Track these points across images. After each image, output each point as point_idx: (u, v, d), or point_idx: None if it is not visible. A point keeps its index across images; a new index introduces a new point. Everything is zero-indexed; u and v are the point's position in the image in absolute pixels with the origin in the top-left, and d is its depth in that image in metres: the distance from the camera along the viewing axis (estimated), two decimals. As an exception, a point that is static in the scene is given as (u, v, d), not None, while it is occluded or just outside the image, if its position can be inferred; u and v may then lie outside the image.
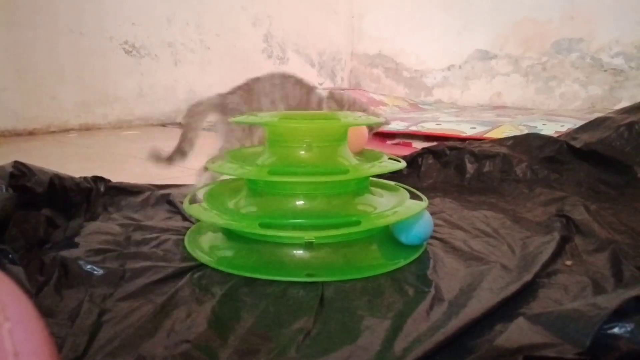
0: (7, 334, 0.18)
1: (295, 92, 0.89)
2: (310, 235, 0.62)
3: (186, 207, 0.71)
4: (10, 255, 0.56)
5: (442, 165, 1.13)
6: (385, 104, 2.45)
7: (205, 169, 0.88)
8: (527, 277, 0.56)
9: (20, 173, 0.76)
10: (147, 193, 0.93)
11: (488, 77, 2.79)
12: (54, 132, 2.01)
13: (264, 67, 2.78)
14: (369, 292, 0.55)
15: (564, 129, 1.47)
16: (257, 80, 0.89)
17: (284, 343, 0.45)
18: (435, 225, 0.79)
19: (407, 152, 1.19)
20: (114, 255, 0.64)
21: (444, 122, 1.73)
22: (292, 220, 0.65)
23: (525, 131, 1.49)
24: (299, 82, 0.90)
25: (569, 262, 0.62)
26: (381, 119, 0.82)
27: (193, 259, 0.64)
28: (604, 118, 1.13)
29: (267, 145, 0.72)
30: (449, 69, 2.92)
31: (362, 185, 0.72)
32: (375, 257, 0.67)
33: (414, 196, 0.72)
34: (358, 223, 0.60)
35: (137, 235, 0.72)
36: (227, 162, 0.71)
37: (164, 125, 2.33)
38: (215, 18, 2.51)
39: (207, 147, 0.95)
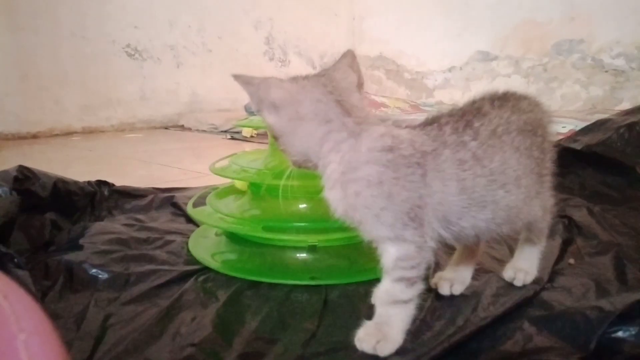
0: (23, 345, 0.18)
1: None
2: (313, 239, 0.62)
3: (190, 210, 0.71)
4: (15, 259, 0.56)
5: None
6: (386, 106, 2.45)
7: None
8: (530, 285, 0.56)
9: (24, 177, 0.77)
10: (151, 196, 0.93)
11: (489, 79, 2.79)
12: (57, 135, 2.02)
13: (266, 69, 2.79)
14: (372, 295, 0.55)
15: (565, 130, 1.47)
16: None
17: (289, 346, 0.46)
18: (438, 227, 0.79)
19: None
20: (118, 257, 0.65)
21: (445, 124, 1.73)
22: (295, 224, 0.65)
23: (527, 133, 1.49)
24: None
25: (571, 261, 0.62)
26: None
27: (197, 262, 0.64)
28: (605, 120, 1.13)
29: (271, 148, 0.73)
30: (450, 70, 2.92)
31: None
32: (378, 260, 0.67)
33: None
34: (361, 226, 0.61)
35: (142, 236, 0.73)
36: (230, 166, 0.72)
37: (166, 127, 2.34)
38: (217, 21, 2.52)
39: (213, 151, 0.95)
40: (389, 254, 0.44)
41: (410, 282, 0.43)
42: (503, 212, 0.46)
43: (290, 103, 0.43)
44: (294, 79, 0.45)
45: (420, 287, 0.44)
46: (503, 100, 0.49)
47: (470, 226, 0.45)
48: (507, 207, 0.46)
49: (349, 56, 0.47)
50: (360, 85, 0.47)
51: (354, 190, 0.43)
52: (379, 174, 0.42)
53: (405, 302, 0.44)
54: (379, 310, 0.45)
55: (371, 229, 0.44)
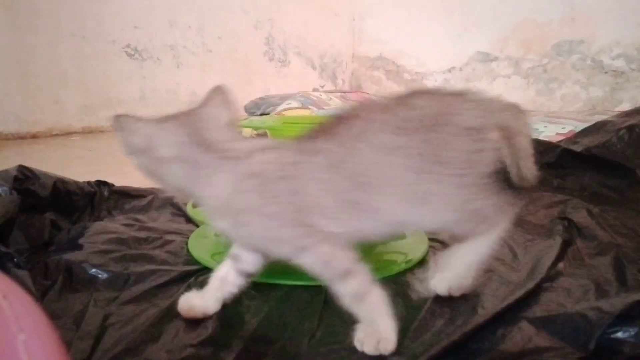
0: (22, 345, 0.18)
1: None
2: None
3: (190, 210, 0.71)
4: (15, 259, 0.56)
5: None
6: (386, 107, 2.45)
7: None
8: (530, 281, 0.56)
9: (24, 177, 0.77)
10: (151, 196, 0.93)
11: (489, 79, 2.79)
12: (56, 135, 2.02)
13: (266, 70, 2.79)
14: (372, 295, 0.55)
15: (565, 131, 1.47)
16: None
17: (288, 346, 0.46)
18: (438, 228, 0.79)
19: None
20: (118, 257, 0.65)
21: (445, 125, 1.73)
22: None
23: (527, 133, 1.49)
24: None
25: (561, 265, 0.61)
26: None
27: (197, 262, 0.64)
28: (604, 122, 1.13)
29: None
30: (449, 71, 2.92)
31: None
32: (377, 260, 0.67)
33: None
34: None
35: (141, 236, 0.73)
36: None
37: (165, 128, 2.34)
38: (217, 21, 2.52)
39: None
40: (306, 265, 0.44)
41: (343, 276, 0.43)
42: (388, 217, 0.45)
43: (150, 147, 0.44)
44: (158, 121, 0.45)
45: (361, 273, 0.44)
46: (401, 97, 0.47)
47: (355, 230, 0.45)
48: (388, 211, 0.45)
49: (220, 92, 0.48)
50: (231, 120, 0.47)
51: (236, 221, 0.43)
52: (251, 201, 0.42)
53: (361, 294, 0.44)
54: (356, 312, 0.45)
55: (274, 251, 0.45)
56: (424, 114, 0.46)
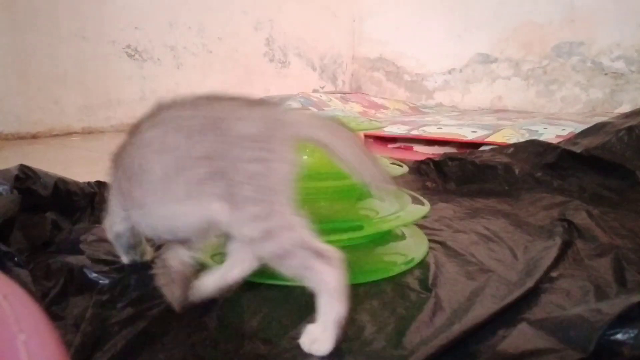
0: (22, 345, 0.18)
1: None
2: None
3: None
4: (15, 258, 0.56)
5: (444, 174, 1.14)
6: (386, 108, 2.46)
7: None
8: (530, 282, 0.56)
9: (25, 176, 0.77)
10: (150, 197, 0.93)
11: (489, 81, 2.79)
12: (56, 135, 2.02)
13: (266, 71, 2.79)
14: (371, 296, 0.56)
15: (565, 133, 1.47)
16: None
17: (287, 348, 0.46)
18: (437, 229, 0.79)
19: (408, 156, 1.19)
20: (118, 258, 0.65)
21: (445, 126, 1.74)
22: (295, 225, 0.65)
23: (527, 135, 1.49)
24: None
25: (554, 274, 0.61)
26: (382, 124, 0.82)
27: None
28: (604, 123, 1.13)
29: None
30: (449, 72, 2.93)
31: (365, 190, 0.72)
32: (377, 261, 0.67)
33: (416, 201, 0.73)
34: (360, 228, 0.61)
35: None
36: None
37: (165, 128, 2.34)
38: (217, 22, 2.52)
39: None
40: None
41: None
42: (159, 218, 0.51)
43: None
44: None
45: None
46: (195, 98, 0.50)
47: (142, 222, 0.53)
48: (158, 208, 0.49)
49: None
50: None
51: None
52: None
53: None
54: None
55: None
56: (206, 115, 0.46)
